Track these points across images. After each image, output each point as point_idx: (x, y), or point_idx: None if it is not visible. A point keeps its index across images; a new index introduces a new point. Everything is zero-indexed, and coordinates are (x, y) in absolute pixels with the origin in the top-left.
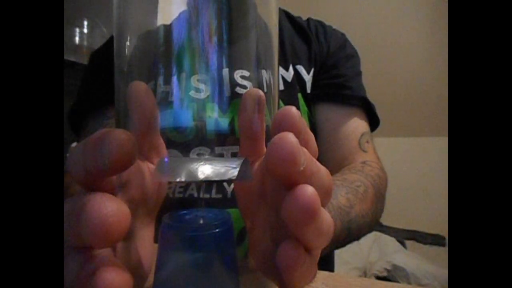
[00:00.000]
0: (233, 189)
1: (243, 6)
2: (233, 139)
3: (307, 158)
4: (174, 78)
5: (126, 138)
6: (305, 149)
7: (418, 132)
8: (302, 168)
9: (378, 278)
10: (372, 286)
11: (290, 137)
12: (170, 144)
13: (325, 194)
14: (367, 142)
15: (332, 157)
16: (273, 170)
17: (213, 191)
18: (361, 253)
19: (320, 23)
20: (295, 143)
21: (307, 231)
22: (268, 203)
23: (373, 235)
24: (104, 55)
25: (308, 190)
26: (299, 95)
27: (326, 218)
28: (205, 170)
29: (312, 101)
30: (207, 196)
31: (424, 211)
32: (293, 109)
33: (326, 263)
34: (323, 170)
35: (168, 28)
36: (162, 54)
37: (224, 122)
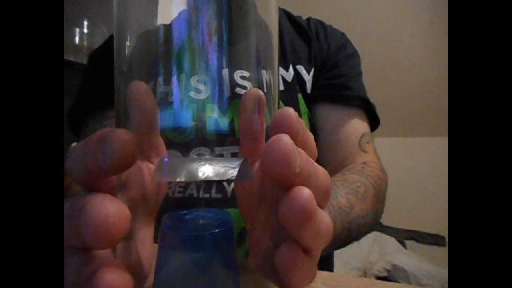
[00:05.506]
0: (233, 189)
1: (243, 6)
2: (233, 140)
3: (303, 159)
4: (174, 78)
5: (128, 138)
6: (301, 151)
7: (418, 132)
8: (298, 170)
9: (378, 278)
10: (372, 286)
11: (285, 139)
12: (170, 144)
13: (323, 195)
14: (368, 142)
15: (332, 158)
16: (269, 172)
17: (213, 190)
18: (361, 253)
19: (320, 23)
20: (290, 145)
21: (304, 233)
22: (268, 204)
23: (373, 235)
24: (104, 55)
25: (304, 192)
26: (299, 95)
27: (324, 219)
28: (205, 170)
29: (312, 101)
30: (206, 195)
31: (424, 211)
32: (291, 110)
33: (326, 263)
34: (321, 171)
35: (168, 28)
36: (162, 54)
37: (224, 123)
